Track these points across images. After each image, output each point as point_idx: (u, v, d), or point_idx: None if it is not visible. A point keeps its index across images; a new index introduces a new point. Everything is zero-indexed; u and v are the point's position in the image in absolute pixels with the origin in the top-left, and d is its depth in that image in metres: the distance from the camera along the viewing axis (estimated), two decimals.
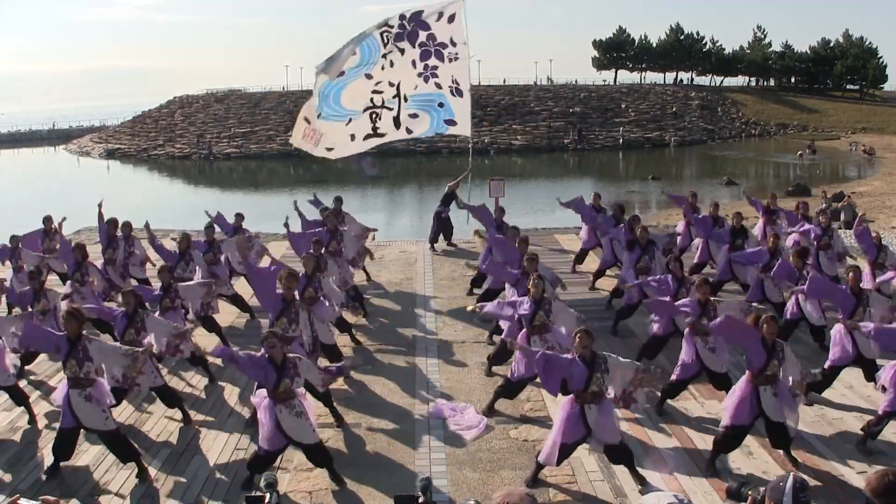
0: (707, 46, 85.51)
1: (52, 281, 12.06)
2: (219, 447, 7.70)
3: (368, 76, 13.96)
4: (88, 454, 7.47)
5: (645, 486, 6.69)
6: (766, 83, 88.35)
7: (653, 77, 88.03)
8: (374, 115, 14.29)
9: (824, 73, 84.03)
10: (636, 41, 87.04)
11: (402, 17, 14.00)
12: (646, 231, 11.40)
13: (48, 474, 7.06)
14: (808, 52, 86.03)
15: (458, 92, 14.32)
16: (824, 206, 26.76)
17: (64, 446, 7.08)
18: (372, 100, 14.14)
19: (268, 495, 3.66)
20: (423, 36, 14.05)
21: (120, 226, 12.39)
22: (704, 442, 7.58)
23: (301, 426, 6.68)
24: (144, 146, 61.47)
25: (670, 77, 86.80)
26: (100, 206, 12.08)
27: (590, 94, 69.65)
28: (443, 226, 16.33)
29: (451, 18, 14.10)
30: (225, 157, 57.01)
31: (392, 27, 13.90)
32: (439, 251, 16.14)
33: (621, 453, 6.75)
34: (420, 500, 3.42)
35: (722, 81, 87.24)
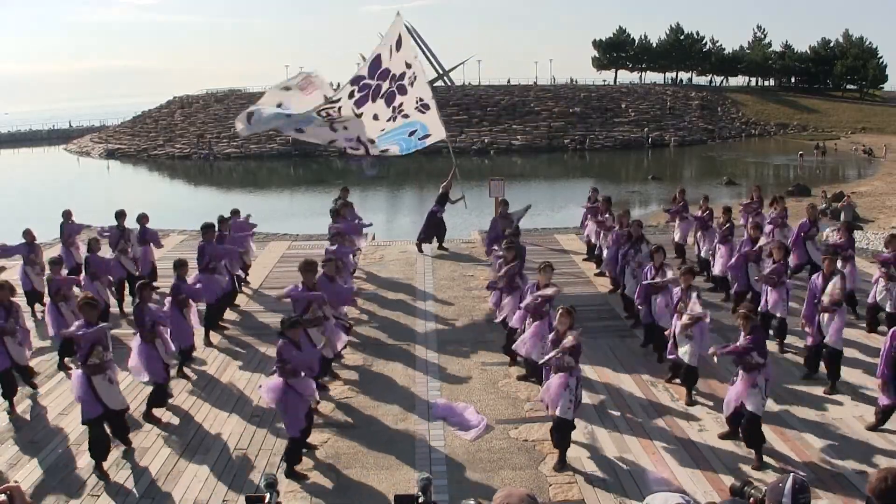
0: (707, 46, 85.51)
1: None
2: (219, 446, 7.70)
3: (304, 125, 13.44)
4: (88, 454, 7.46)
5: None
6: (766, 83, 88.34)
7: (653, 77, 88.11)
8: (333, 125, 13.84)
9: (824, 73, 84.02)
10: (636, 41, 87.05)
11: (357, 78, 13.91)
12: (640, 227, 11.57)
13: (101, 478, 7.06)
14: (808, 52, 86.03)
15: (424, 107, 14.50)
16: (824, 206, 26.80)
17: (101, 440, 7.12)
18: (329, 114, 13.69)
19: (268, 495, 3.64)
20: (385, 85, 14.14)
21: (136, 217, 12.82)
22: (704, 441, 7.60)
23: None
24: (144, 146, 61.44)
25: (670, 77, 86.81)
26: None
27: (590, 94, 69.62)
28: (436, 227, 16.24)
29: (399, 44, 14.27)
30: (225, 157, 56.97)
31: (337, 102, 13.60)
32: (432, 254, 15.98)
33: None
34: (420, 499, 3.41)
35: (722, 81, 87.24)
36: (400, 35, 14.31)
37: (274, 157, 56.05)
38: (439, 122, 14.72)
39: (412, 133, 14.45)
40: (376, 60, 14.06)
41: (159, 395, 8.36)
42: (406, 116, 14.36)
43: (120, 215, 12.48)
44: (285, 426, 7.11)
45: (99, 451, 7.15)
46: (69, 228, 12.93)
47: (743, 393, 7.11)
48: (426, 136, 14.58)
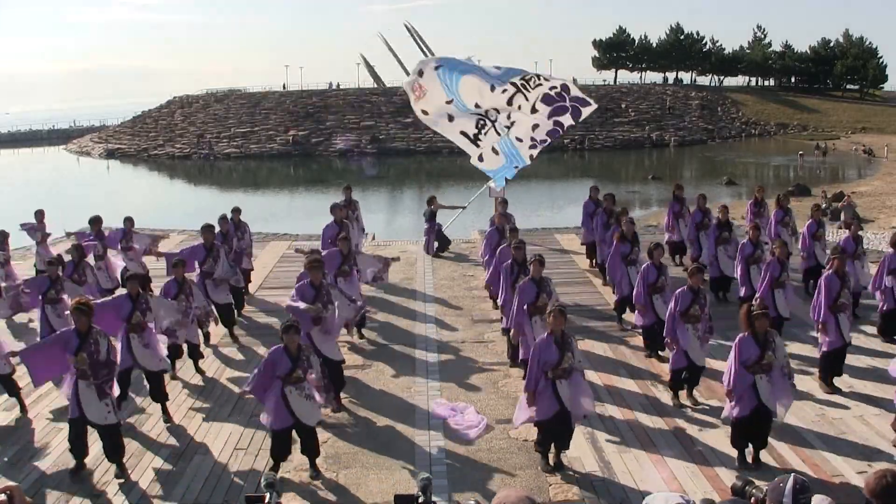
0: (707, 46, 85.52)
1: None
2: (219, 446, 7.70)
3: (493, 88, 14.09)
4: (89, 454, 7.44)
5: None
6: (766, 83, 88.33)
7: (653, 77, 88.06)
8: (480, 123, 14.44)
9: (824, 73, 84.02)
10: (636, 41, 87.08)
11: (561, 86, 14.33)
12: (632, 224, 11.57)
13: (72, 475, 7.05)
14: (808, 52, 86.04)
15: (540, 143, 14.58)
16: (824, 206, 26.81)
17: (76, 440, 7.04)
18: (487, 112, 14.33)
19: (268, 495, 3.65)
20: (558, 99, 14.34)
21: (122, 221, 12.72)
22: (704, 441, 7.60)
23: (308, 407, 6.97)
24: (144, 146, 61.46)
25: (670, 77, 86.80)
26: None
27: (590, 94, 69.54)
28: (440, 237, 16.25)
29: (579, 108, 14.66)
30: (225, 157, 57.00)
31: (538, 82, 14.16)
32: (432, 254, 15.98)
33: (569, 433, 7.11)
34: (420, 499, 3.40)
35: (722, 81, 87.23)
36: (580, 112, 14.71)
37: (274, 157, 56.08)
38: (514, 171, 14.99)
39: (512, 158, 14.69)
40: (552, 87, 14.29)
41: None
42: (520, 140, 14.52)
43: (94, 221, 12.29)
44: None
45: (75, 449, 7.10)
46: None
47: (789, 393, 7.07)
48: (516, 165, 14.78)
